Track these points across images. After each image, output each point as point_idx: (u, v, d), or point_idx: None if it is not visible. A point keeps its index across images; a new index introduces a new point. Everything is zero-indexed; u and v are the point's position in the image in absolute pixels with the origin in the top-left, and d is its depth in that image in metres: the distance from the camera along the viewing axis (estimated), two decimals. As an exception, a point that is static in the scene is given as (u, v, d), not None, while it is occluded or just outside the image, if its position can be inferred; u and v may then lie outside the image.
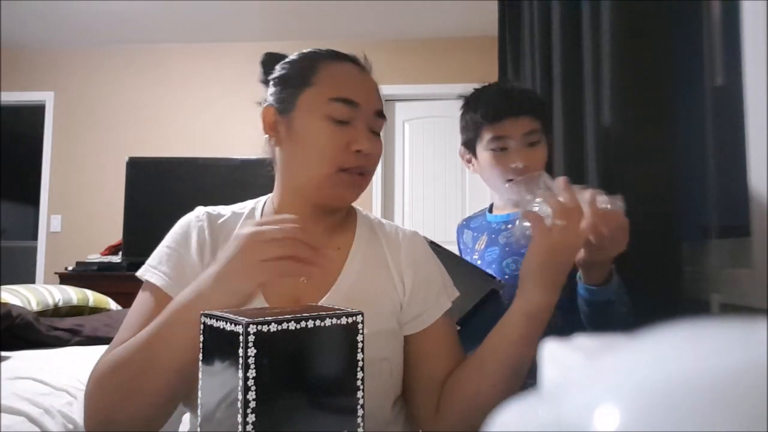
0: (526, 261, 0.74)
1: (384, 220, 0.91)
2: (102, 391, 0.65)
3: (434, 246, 1.13)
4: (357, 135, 0.76)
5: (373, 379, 0.68)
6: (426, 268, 0.85)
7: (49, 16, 3.64)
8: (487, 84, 1.21)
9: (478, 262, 1.17)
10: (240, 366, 0.41)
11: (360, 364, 0.46)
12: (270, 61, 0.86)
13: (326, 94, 0.76)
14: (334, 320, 0.45)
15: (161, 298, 0.74)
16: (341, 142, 0.75)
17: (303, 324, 0.44)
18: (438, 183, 4.05)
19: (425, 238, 0.95)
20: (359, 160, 0.77)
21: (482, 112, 1.10)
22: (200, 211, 0.83)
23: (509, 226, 1.15)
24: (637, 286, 1.00)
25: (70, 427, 1.15)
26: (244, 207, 0.86)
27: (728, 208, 1.11)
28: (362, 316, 0.47)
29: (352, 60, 0.82)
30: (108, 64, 4.11)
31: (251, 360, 0.41)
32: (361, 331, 0.47)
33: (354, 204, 0.88)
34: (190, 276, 0.75)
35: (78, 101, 4.09)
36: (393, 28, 3.81)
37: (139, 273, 0.77)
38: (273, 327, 0.42)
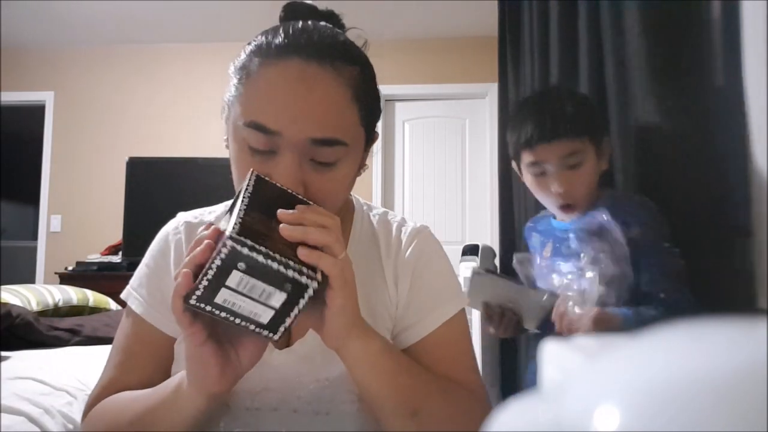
0: None
1: (390, 216, 0.79)
2: None
3: (489, 272, 1.18)
4: (275, 171, 0.58)
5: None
6: (426, 273, 0.72)
7: (49, 16, 3.64)
8: (531, 96, 1.20)
9: (545, 270, 1.12)
10: None
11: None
12: (291, 16, 0.67)
13: (243, 115, 0.58)
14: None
15: (142, 325, 0.70)
16: None
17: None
18: (438, 183, 4.05)
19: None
20: None
21: (516, 137, 1.07)
22: (179, 220, 0.75)
23: (571, 234, 1.08)
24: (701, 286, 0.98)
25: (70, 427, 1.15)
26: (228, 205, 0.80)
27: (728, 208, 1.11)
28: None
29: (302, 52, 0.58)
30: (108, 64, 4.11)
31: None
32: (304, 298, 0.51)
33: (357, 197, 0.80)
34: (168, 298, 0.71)
35: (78, 101, 4.09)
36: (393, 28, 3.81)
37: (123, 295, 0.73)
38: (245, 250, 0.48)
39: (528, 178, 1.09)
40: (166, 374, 0.68)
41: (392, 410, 0.60)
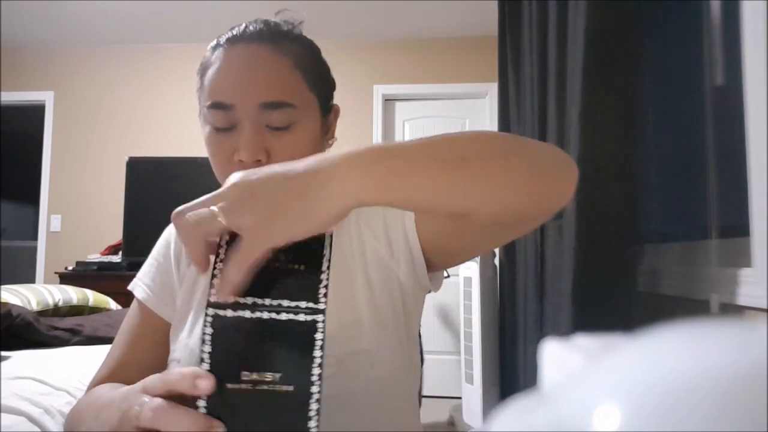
0: None
1: None
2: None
3: None
4: (238, 142, 0.65)
5: (351, 374, 0.65)
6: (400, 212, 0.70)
7: (49, 16, 3.64)
8: None
9: None
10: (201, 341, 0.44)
11: (318, 361, 0.45)
12: None
13: (205, 99, 0.67)
14: (292, 315, 0.45)
15: (145, 311, 0.75)
16: (225, 153, 0.67)
17: (258, 314, 0.44)
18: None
19: None
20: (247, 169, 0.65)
21: None
22: None
23: None
24: (598, 291, 1.02)
25: (70, 427, 1.15)
26: None
27: (728, 208, 1.11)
28: (323, 315, 0.45)
29: (246, 39, 0.69)
30: (108, 64, 4.11)
31: (207, 338, 0.44)
32: (320, 330, 0.45)
33: None
34: (169, 288, 0.76)
35: (78, 101, 4.09)
36: (393, 28, 3.81)
37: (130, 286, 0.78)
38: (229, 312, 0.44)
39: None
40: (166, 355, 0.72)
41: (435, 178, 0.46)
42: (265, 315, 0.44)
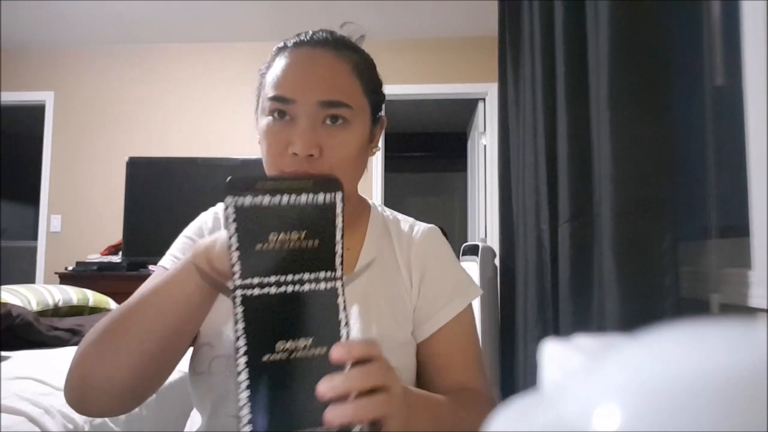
0: None
1: (401, 216, 0.87)
2: (80, 353, 0.63)
3: None
4: (293, 135, 0.68)
5: None
6: (436, 266, 0.80)
7: (49, 16, 3.64)
8: None
9: None
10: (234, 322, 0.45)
11: (344, 321, 0.48)
12: None
13: (267, 93, 0.72)
14: (313, 285, 0.48)
15: None
16: (281, 144, 0.69)
17: (283, 289, 0.47)
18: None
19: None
20: (299, 163, 0.68)
21: None
22: (220, 206, 0.85)
23: None
24: (634, 287, 1.00)
25: (70, 427, 1.15)
26: None
27: (728, 208, 1.11)
28: (341, 281, 0.48)
29: (311, 44, 0.74)
30: (108, 64, 4.11)
31: (239, 317, 0.45)
32: (341, 294, 0.48)
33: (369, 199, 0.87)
34: None
35: (78, 101, 4.09)
36: (393, 28, 3.81)
37: (159, 263, 0.80)
38: (256, 291, 0.46)
39: None
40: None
41: None
42: (289, 289, 0.47)
